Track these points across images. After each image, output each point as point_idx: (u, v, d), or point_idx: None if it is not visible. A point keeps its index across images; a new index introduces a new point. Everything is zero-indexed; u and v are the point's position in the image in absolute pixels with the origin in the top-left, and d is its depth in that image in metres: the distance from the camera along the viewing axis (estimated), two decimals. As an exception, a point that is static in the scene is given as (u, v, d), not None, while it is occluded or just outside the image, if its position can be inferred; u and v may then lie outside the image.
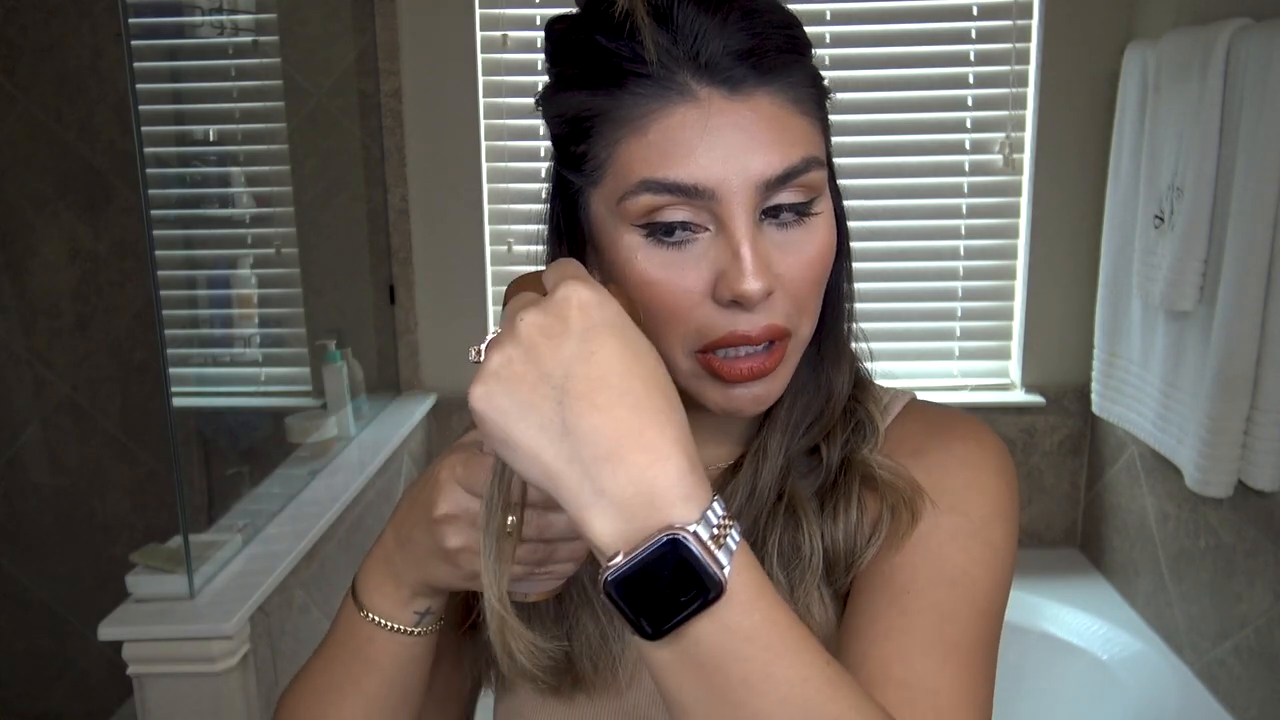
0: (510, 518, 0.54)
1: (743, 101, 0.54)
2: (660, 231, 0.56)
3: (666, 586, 0.43)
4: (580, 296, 0.46)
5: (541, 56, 0.62)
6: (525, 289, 0.51)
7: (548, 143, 0.62)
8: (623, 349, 0.46)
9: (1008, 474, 0.66)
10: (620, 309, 0.47)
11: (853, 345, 0.69)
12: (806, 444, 0.66)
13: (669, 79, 0.54)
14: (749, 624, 0.44)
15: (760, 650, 0.44)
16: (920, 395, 0.72)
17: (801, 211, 0.57)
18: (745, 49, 0.54)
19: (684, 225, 0.55)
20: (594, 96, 0.56)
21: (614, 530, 0.44)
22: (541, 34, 0.65)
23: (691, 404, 0.61)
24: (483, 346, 0.48)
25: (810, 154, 0.56)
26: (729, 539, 0.44)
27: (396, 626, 0.62)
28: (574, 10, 0.60)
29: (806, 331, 0.61)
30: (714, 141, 0.54)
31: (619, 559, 0.43)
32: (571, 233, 0.63)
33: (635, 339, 0.47)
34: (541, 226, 0.66)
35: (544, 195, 0.66)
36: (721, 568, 0.43)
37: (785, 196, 0.56)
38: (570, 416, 0.44)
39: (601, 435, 0.44)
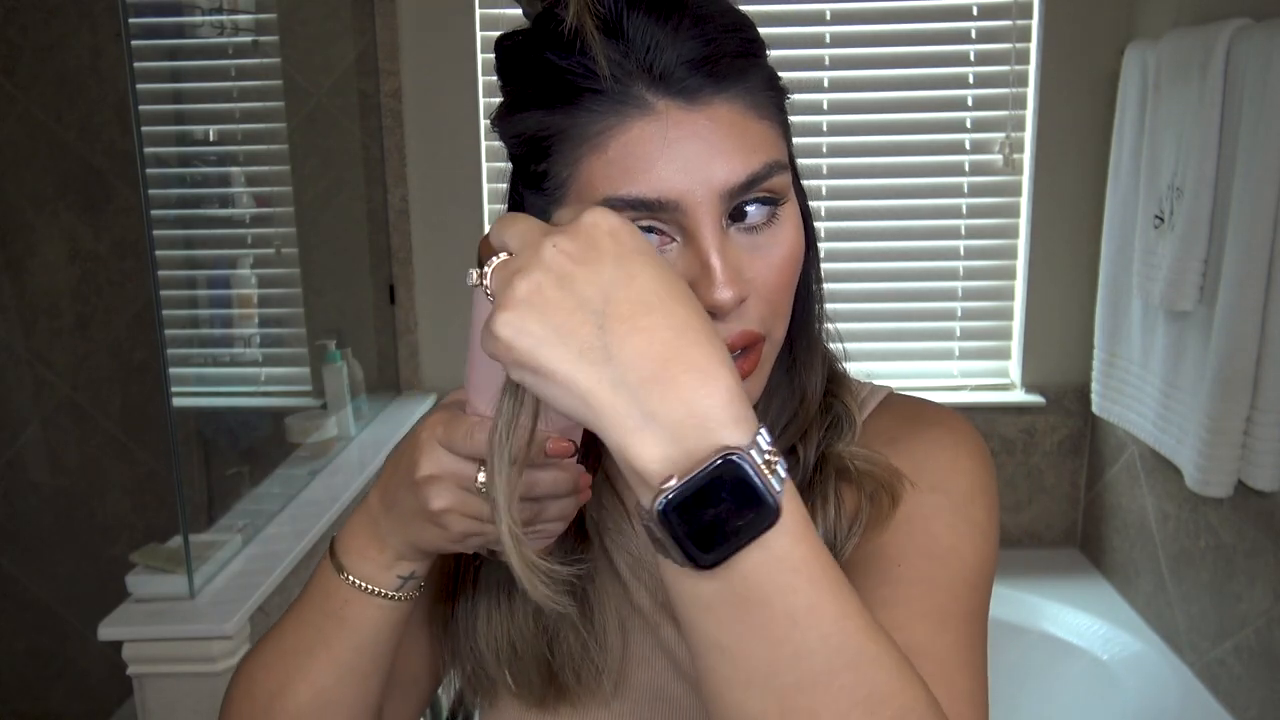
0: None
1: (700, 111, 0.54)
2: None
3: (723, 510, 0.42)
4: (610, 223, 0.46)
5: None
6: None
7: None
8: (660, 272, 0.45)
9: (983, 455, 0.66)
10: (645, 238, 0.47)
11: (826, 343, 0.69)
12: (782, 446, 0.65)
13: (624, 94, 0.53)
14: (798, 555, 0.43)
15: (806, 583, 0.43)
16: (918, 395, 0.72)
17: (768, 207, 0.57)
18: (699, 57, 0.54)
19: (649, 232, 0.55)
20: (550, 115, 0.55)
21: (663, 455, 0.43)
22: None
23: None
24: (488, 270, 0.47)
25: (772, 158, 0.56)
26: (779, 466, 0.43)
27: (377, 590, 0.61)
28: (523, 27, 0.59)
29: (780, 334, 0.60)
30: (674, 154, 0.53)
31: (673, 482, 0.42)
32: None
33: (667, 265, 0.46)
34: None
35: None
36: (776, 492, 0.42)
37: (751, 204, 0.56)
38: (613, 340, 0.43)
39: (648, 358, 0.43)
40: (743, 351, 0.57)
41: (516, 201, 0.62)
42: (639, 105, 0.53)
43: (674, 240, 0.55)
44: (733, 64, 0.55)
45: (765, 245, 0.57)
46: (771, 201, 0.57)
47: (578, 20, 0.53)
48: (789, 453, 0.66)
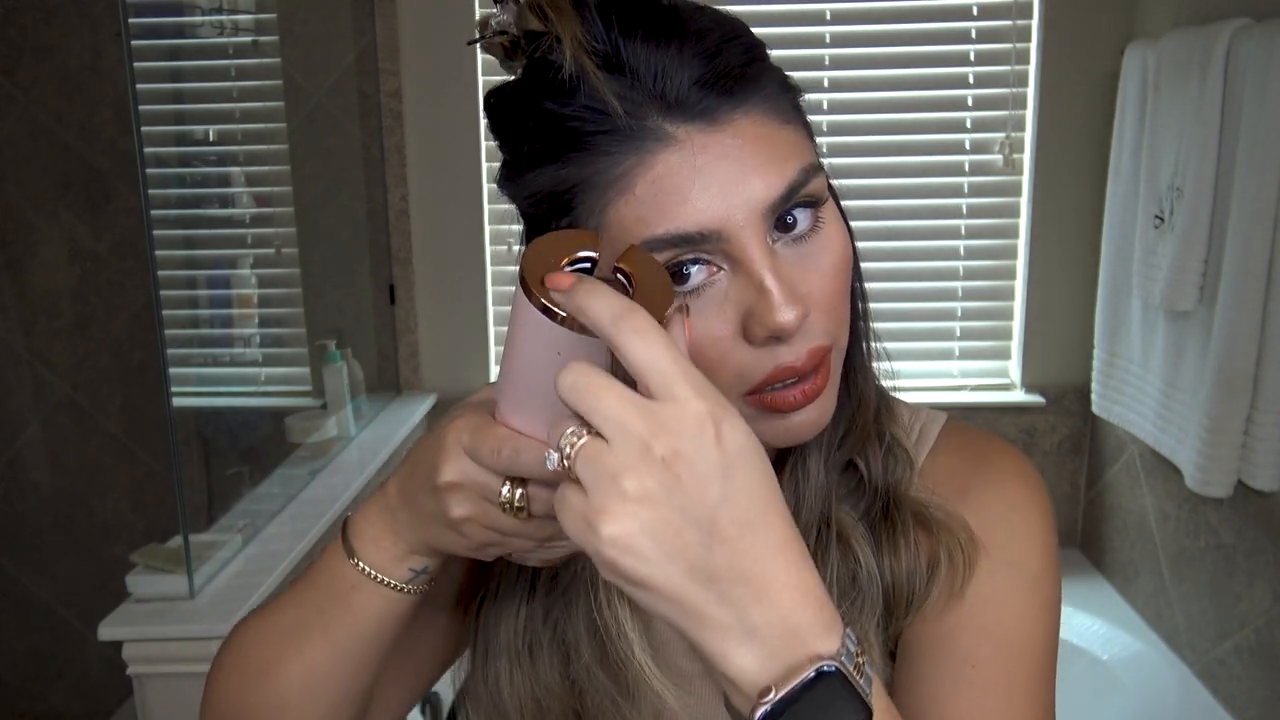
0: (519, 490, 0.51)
1: (723, 130, 0.51)
2: (674, 283, 0.52)
3: (818, 717, 0.42)
4: (718, 425, 0.43)
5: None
6: (543, 253, 0.48)
7: None
8: (763, 483, 0.44)
9: (1050, 512, 0.65)
10: (748, 429, 0.44)
11: (873, 348, 0.66)
12: (842, 458, 0.63)
13: (640, 128, 0.51)
14: None
15: None
16: (922, 397, 0.71)
17: (811, 210, 0.54)
18: (710, 74, 0.51)
19: (694, 262, 0.52)
20: (564, 168, 0.53)
21: (759, 667, 0.43)
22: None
23: None
24: (571, 452, 0.44)
25: (805, 162, 0.53)
26: (866, 665, 0.44)
27: (386, 580, 0.59)
28: (508, 80, 0.56)
29: (844, 340, 0.58)
30: (706, 180, 0.50)
31: (772, 695, 0.42)
32: None
33: (766, 463, 0.45)
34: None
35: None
36: (868, 695, 0.43)
37: (794, 212, 0.54)
38: (720, 561, 0.43)
39: (752, 577, 0.43)
40: (814, 370, 0.54)
41: None
42: (657, 136, 0.51)
43: (721, 269, 0.53)
44: (744, 74, 0.52)
45: (814, 253, 0.54)
46: (813, 205, 0.54)
47: (576, 63, 0.51)
48: (848, 467, 0.64)
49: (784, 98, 0.55)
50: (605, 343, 0.45)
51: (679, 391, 0.43)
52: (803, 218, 0.54)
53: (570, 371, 0.44)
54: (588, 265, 0.50)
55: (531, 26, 0.54)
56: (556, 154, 0.53)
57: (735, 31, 0.54)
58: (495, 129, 0.57)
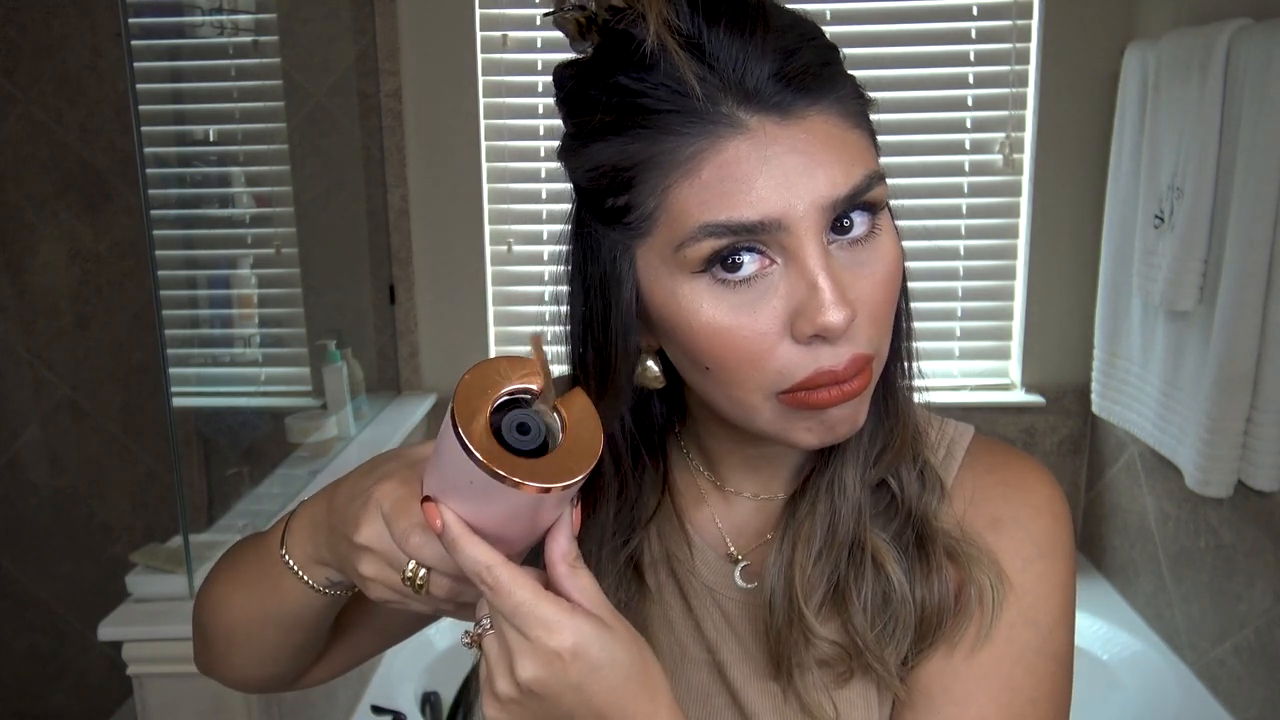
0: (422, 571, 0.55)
1: (796, 124, 0.51)
2: (726, 270, 0.52)
3: None
4: (573, 653, 0.50)
5: (542, 56, 0.59)
6: (481, 384, 0.50)
7: (548, 142, 0.59)
8: (612, 686, 0.51)
9: (1073, 552, 0.64)
10: (606, 640, 0.51)
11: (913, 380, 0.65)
12: (877, 475, 0.63)
13: (714, 113, 0.51)
14: None
15: None
16: (922, 397, 0.69)
17: (870, 216, 0.54)
18: (790, 70, 0.51)
19: (749, 250, 0.52)
20: (632, 143, 0.52)
21: None
22: (542, 35, 0.61)
23: (741, 434, 0.60)
24: (479, 635, 0.53)
25: (871, 169, 0.53)
26: None
27: (307, 580, 0.62)
28: (581, 55, 0.56)
29: (885, 352, 0.58)
30: (773, 170, 0.50)
31: None
32: (604, 292, 0.57)
33: (619, 656, 0.51)
34: (557, 288, 0.62)
35: (561, 269, 0.61)
36: None
37: (852, 215, 0.54)
38: None
39: None
40: (853, 378, 0.54)
41: (587, 236, 0.58)
42: (731, 124, 0.51)
43: (775, 262, 0.53)
44: (821, 73, 0.53)
45: (868, 261, 0.54)
46: (871, 211, 0.54)
47: (658, 39, 0.51)
48: (879, 486, 0.63)
49: (855, 102, 0.55)
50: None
51: (536, 633, 0.50)
52: (860, 222, 0.54)
53: (485, 563, 0.50)
54: (526, 397, 0.50)
55: (614, 2, 0.54)
56: (624, 128, 0.52)
57: (814, 33, 0.55)
58: (562, 100, 0.57)
